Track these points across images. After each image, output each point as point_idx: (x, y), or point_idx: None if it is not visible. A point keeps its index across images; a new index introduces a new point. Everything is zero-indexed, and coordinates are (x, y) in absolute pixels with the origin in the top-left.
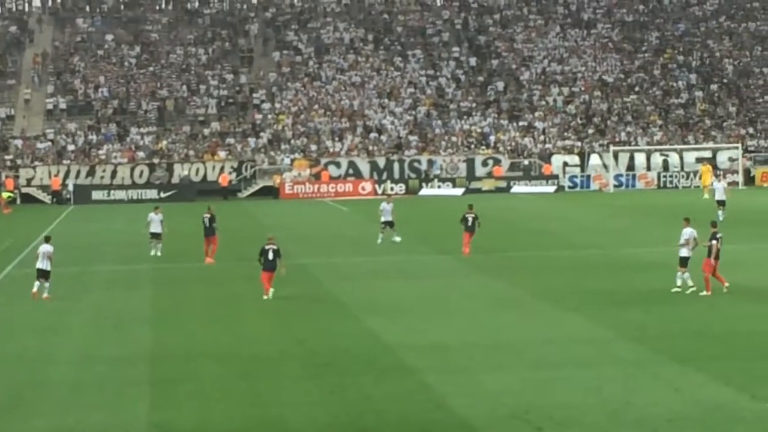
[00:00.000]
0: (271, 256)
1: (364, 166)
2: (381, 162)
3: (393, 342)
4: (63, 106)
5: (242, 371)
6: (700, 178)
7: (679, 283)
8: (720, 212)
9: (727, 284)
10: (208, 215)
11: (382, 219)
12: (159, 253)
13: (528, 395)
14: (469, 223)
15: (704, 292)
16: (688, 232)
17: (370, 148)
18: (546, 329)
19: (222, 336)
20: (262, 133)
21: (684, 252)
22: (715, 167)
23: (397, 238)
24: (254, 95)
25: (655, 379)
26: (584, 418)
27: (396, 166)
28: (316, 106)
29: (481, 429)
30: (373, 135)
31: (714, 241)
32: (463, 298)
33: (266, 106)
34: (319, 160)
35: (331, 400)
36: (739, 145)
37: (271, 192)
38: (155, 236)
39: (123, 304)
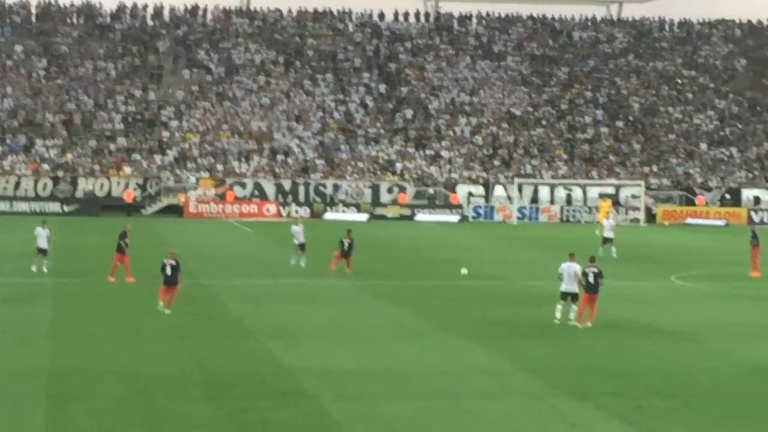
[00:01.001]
0: (169, 271)
1: (269, 188)
2: (287, 184)
3: (293, 366)
4: None
5: (141, 390)
6: (589, 213)
7: (558, 315)
8: (613, 249)
9: (587, 324)
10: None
11: (296, 241)
12: (45, 270)
13: (425, 425)
14: (345, 248)
15: (577, 323)
16: (564, 266)
17: (277, 170)
18: (446, 359)
19: (122, 353)
20: (168, 151)
21: (562, 286)
22: (616, 203)
23: (302, 263)
24: (162, 112)
25: (553, 413)
26: None
27: (301, 189)
28: (224, 126)
29: None
30: (279, 157)
31: (583, 276)
32: (365, 325)
33: (174, 123)
34: (225, 180)
35: (230, 422)
36: (642, 182)
37: (175, 210)
38: (41, 251)
39: (22, 318)
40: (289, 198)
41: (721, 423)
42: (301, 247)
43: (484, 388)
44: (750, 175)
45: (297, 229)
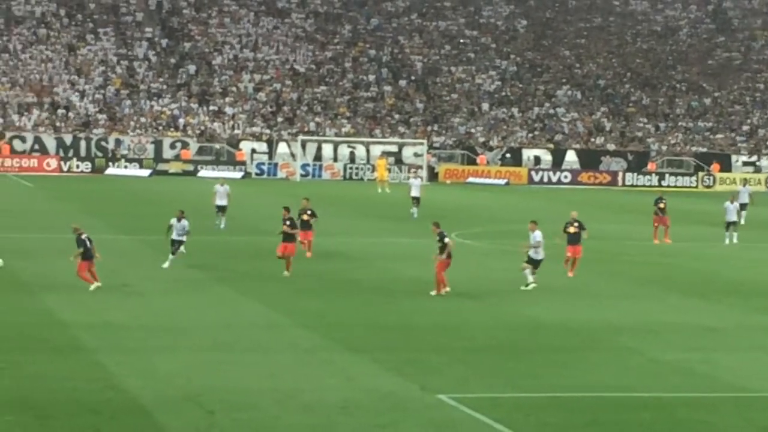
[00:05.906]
0: None
1: (50, 142)
2: (68, 139)
3: (68, 320)
4: None
5: None
6: (374, 171)
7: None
8: (414, 209)
9: (447, 289)
10: None
11: (219, 202)
12: (222, 226)
13: (201, 378)
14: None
15: (432, 292)
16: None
17: (57, 124)
18: (224, 313)
19: None
20: None
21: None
22: (400, 162)
23: (222, 225)
24: None
25: (327, 366)
26: (257, 402)
27: (83, 144)
28: (3, 79)
29: (153, 410)
30: (60, 111)
31: (447, 240)
32: (142, 279)
33: None
34: (4, 134)
35: (3, 375)
36: (425, 141)
37: None
38: (221, 209)
39: None
40: (71, 153)
41: (494, 374)
42: (221, 209)
43: (260, 341)
44: (531, 135)
45: (220, 190)
